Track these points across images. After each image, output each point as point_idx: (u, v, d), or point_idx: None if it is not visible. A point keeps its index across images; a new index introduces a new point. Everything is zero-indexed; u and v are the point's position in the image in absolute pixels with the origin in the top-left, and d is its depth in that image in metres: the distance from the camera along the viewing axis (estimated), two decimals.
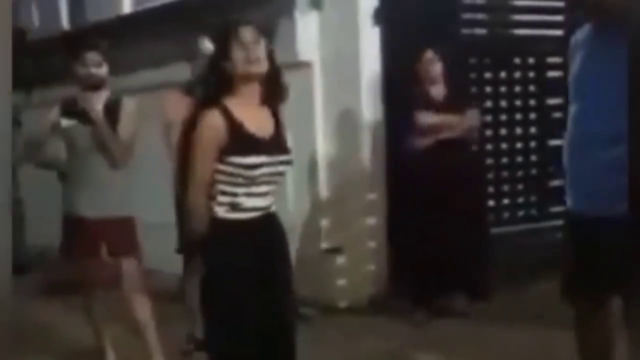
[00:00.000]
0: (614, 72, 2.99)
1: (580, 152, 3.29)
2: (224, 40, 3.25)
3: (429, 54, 5.98)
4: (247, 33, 3.22)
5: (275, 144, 3.29)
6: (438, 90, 6.04)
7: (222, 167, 3.20)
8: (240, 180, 3.18)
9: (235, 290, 3.20)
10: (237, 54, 3.20)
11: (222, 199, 3.23)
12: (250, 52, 3.19)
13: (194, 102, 3.34)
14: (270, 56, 3.28)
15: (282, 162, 3.28)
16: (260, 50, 3.22)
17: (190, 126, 3.24)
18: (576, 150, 3.33)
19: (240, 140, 3.16)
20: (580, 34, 3.41)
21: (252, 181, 3.18)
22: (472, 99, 6.17)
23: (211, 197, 3.24)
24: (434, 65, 5.98)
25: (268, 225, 3.32)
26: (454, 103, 5.96)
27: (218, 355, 3.32)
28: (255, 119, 3.23)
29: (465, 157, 6.03)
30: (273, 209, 3.35)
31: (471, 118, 5.99)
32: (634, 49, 2.92)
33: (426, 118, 5.90)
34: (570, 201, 3.40)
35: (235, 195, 3.20)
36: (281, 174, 3.30)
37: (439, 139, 5.84)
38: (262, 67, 3.22)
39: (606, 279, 3.20)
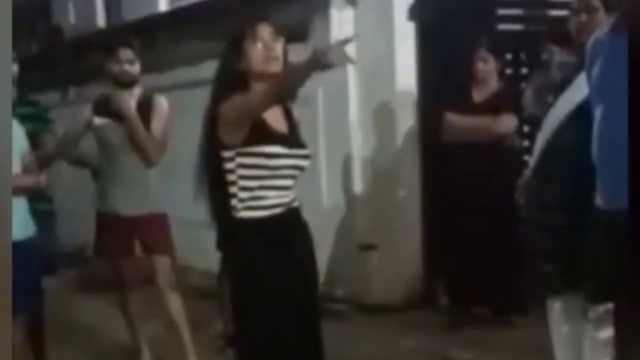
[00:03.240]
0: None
1: (607, 152, 3.25)
2: (241, 38, 3.24)
3: (482, 53, 5.81)
4: (265, 31, 3.22)
5: (293, 139, 3.27)
6: (483, 91, 5.84)
7: (241, 159, 3.17)
8: (261, 172, 3.16)
9: (262, 287, 3.19)
10: (254, 52, 3.20)
11: (242, 194, 3.20)
12: (269, 50, 3.19)
13: (209, 101, 3.31)
14: (285, 55, 3.27)
15: (301, 156, 3.27)
16: (278, 49, 3.22)
17: (210, 125, 3.23)
18: (604, 150, 3.29)
19: (259, 131, 3.15)
20: (600, 35, 3.36)
21: (272, 172, 3.17)
22: (514, 103, 5.61)
23: (231, 196, 3.23)
24: (485, 65, 5.81)
25: (290, 221, 3.29)
26: (494, 104, 5.70)
27: (248, 351, 3.33)
28: (269, 115, 3.21)
29: (498, 162, 5.62)
30: (295, 204, 3.33)
31: (504, 124, 5.67)
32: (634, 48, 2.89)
33: (455, 120, 5.76)
34: (602, 200, 3.36)
35: (254, 189, 3.18)
36: (301, 168, 3.28)
37: (469, 141, 5.61)
38: (278, 65, 3.22)
39: None
